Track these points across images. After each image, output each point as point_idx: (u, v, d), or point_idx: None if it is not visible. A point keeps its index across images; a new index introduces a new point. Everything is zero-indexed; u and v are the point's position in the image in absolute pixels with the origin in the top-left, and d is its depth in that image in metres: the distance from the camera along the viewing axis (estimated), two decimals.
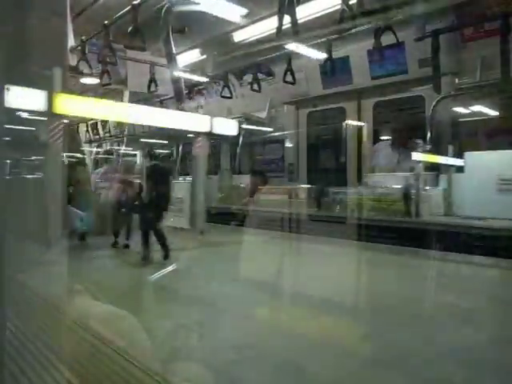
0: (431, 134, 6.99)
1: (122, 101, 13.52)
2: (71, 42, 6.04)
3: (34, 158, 6.83)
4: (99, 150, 16.20)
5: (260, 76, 8.20)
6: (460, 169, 6.82)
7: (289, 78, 6.84)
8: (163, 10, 5.81)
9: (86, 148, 14.90)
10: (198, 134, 5.92)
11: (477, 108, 6.96)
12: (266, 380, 2.23)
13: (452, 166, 6.89)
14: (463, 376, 2.26)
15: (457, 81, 6.97)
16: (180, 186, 7.08)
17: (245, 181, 9.80)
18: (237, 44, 7.08)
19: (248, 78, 8.37)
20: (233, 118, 8.65)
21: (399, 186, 6.58)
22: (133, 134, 13.28)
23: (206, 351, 2.50)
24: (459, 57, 7.00)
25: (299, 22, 4.43)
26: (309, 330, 2.83)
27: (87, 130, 14.92)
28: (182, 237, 6.40)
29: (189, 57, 8.14)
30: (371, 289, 3.91)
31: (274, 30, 4.51)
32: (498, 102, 6.76)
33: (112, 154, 15.79)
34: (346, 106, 9.05)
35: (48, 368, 2.01)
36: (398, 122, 7.94)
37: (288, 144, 10.23)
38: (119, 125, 13.55)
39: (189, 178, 7.65)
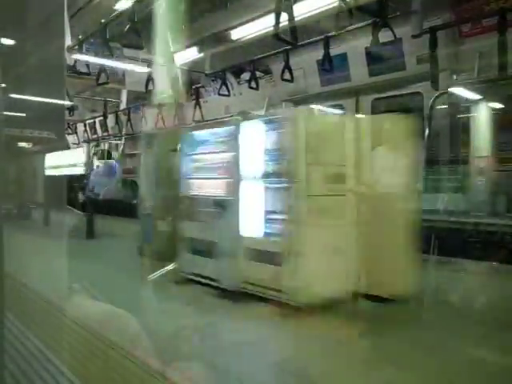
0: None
1: (119, 99, 13.48)
2: (68, 41, 6.02)
3: None
4: (97, 149, 16.14)
5: (258, 74, 8.17)
6: None
7: (287, 75, 6.81)
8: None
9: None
10: None
11: None
12: None
13: None
14: None
15: (455, 77, 6.96)
16: None
17: None
18: (235, 42, 7.03)
19: (246, 75, 8.34)
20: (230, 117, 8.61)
21: None
22: (131, 133, 13.19)
23: None
24: (457, 53, 6.97)
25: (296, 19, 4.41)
26: None
27: (85, 130, 14.85)
28: None
29: (187, 55, 8.09)
30: None
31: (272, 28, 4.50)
32: None
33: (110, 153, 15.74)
34: (344, 104, 9.03)
35: None
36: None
37: None
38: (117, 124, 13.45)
39: None
